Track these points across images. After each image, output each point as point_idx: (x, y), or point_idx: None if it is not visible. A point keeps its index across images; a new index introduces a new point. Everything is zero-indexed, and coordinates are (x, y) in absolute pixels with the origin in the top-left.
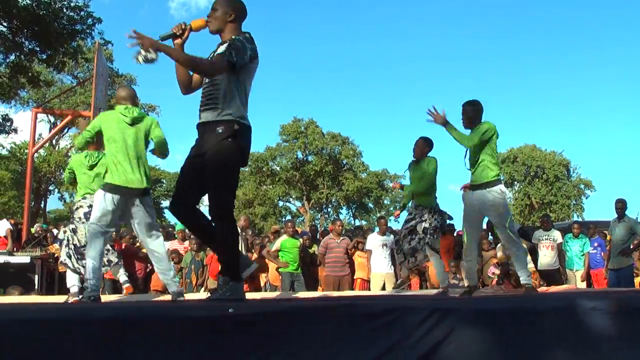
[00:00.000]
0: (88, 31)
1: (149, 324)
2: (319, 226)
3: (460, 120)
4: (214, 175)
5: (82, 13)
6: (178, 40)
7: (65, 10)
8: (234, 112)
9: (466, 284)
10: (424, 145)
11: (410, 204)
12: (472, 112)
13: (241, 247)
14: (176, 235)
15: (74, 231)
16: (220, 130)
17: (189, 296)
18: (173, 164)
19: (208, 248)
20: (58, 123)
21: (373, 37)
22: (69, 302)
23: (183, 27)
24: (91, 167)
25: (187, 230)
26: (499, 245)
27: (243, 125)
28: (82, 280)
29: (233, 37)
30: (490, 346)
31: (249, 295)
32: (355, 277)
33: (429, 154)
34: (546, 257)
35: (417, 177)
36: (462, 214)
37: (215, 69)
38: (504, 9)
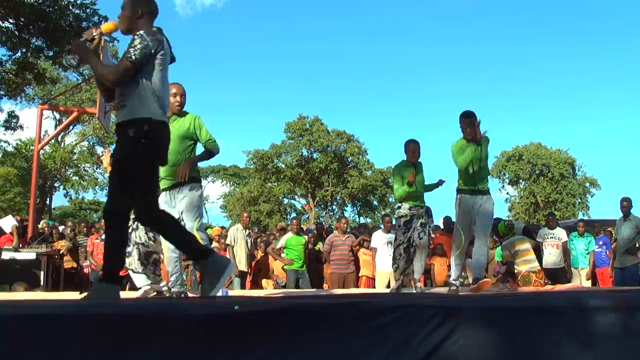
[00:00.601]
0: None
1: (153, 321)
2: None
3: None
4: (115, 175)
5: (87, 11)
6: (91, 47)
7: (71, 8)
8: (141, 110)
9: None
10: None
11: (405, 205)
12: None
13: (247, 243)
14: None
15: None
16: (130, 133)
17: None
18: None
19: (214, 245)
20: (63, 120)
21: (378, 35)
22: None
23: (93, 32)
24: None
25: None
26: (503, 244)
27: (153, 123)
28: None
29: (134, 35)
30: (495, 344)
31: (254, 293)
32: (360, 275)
33: None
34: (551, 255)
35: (421, 180)
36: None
37: (118, 76)
38: (509, 7)
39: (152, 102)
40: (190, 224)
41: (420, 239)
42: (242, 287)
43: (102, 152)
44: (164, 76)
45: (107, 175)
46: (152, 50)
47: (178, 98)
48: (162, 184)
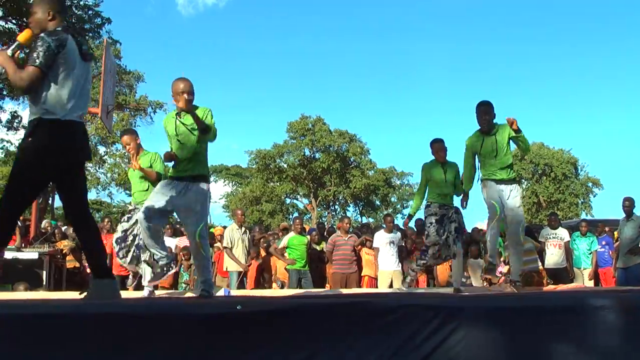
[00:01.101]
0: (96, 30)
1: (155, 321)
2: (325, 223)
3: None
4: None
5: (90, 12)
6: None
7: (74, 9)
8: (43, 109)
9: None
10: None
11: (430, 206)
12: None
13: (244, 241)
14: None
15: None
16: (27, 131)
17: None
18: None
19: (216, 245)
20: None
21: (381, 35)
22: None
23: (13, 46)
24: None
25: None
26: (506, 243)
27: (53, 122)
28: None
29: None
30: (497, 344)
31: (258, 293)
32: (362, 275)
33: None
34: (553, 255)
35: (451, 179)
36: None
37: (29, 82)
38: (512, 7)
39: (50, 100)
40: (192, 229)
41: (455, 244)
42: (242, 286)
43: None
44: (70, 74)
45: (109, 175)
46: (55, 51)
47: (186, 95)
48: (173, 173)
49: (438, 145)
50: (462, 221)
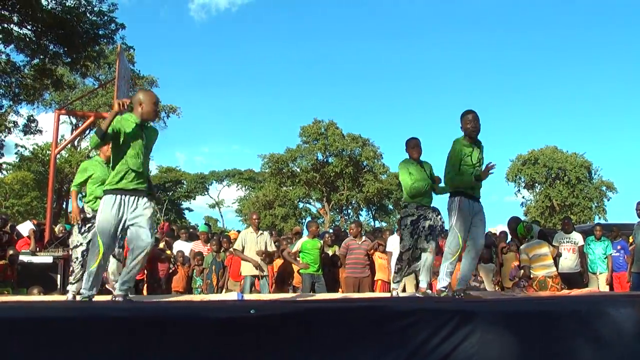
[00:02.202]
0: (111, 35)
1: (171, 323)
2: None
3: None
4: None
5: (105, 18)
6: None
7: (88, 15)
8: None
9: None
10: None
11: (412, 205)
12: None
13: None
14: (199, 237)
15: None
16: None
17: (210, 297)
18: (193, 165)
19: (229, 250)
20: (79, 124)
21: (394, 39)
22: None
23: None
24: None
25: (209, 232)
26: (521, 247)
27: None
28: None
29: None
30: (511, 348)
31: (272, 297)
32: (375, 279)
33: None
34: (567, 260)
35: (427, 176)
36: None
37: None
38: (526, 9)
39: None
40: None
41: (428, 242)
42: (252, 289)
43: None
44: None
45: None
46: None
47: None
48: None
49: (414, 142)
50: (441, 221)
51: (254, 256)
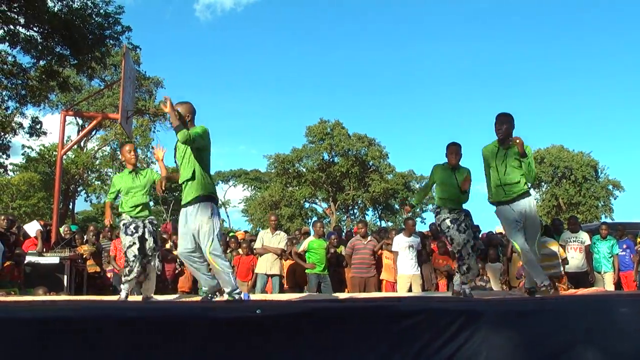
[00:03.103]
0: (117, 37)
1: (177, 324)
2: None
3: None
4: None
5: (110, 19)
6: None
7: (94, 17)
8: None
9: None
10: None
11: (444, 210)
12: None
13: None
14: None
15: None
16: None
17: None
18: None
19: (236, 250)
20: (86, 125)
21: (399, 39)
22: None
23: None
24: None
25: None
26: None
27: None
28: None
29: None
30: (516, 347)
31: (278, 297)
32: (381, 279)
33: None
34: (574, 259)
35: (453, 183)
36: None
37: None
38: (531, 10)
39: None
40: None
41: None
42: (281, 289)
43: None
44: None
45: None
46: None
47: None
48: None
49: (453, 149)
50: (473, 224)
51: (270, 256)
